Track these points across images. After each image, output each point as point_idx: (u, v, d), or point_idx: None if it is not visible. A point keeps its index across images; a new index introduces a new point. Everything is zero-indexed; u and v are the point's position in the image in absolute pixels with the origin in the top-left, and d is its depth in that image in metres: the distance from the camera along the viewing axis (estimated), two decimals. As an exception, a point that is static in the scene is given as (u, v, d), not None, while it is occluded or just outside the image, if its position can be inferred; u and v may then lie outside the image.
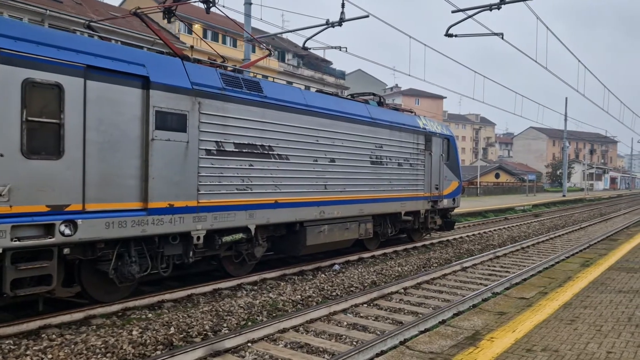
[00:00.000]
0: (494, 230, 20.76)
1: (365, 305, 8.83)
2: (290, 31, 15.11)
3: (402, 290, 9.92)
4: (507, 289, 9.78)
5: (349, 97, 13.84)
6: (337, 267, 11.92)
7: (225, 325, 7.25)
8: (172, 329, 6.84)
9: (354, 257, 13.06)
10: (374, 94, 14.60)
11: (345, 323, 7.69)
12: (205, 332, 6.90)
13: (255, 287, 9.61)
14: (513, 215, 29.15)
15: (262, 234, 9.96)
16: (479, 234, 19.37)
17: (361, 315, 8.24)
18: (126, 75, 7.35)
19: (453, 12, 12.72)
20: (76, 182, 6.75)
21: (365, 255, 13.43)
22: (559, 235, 19.73)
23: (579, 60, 21.03)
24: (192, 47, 18.41)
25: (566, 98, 49.12)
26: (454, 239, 17.60)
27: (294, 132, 10.19)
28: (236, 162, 8.96)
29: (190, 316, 7.41)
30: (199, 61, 9.09)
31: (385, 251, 14.15)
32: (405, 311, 8.53)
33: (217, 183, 8.61)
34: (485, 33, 13.53)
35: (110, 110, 7.15)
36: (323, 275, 10.95)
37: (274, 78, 13.78)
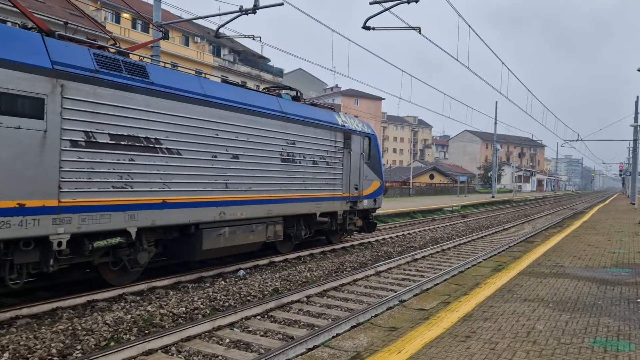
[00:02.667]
0: (419, 231, 20.47)
1: (259, 317, 7.95)
2: (203, 17, 14.06)
3: (305, 299, 9.12)
4: (416, 295, 9.20)
5: (264, 90, 12.92)
6: (242, 272, 10.97)
7: (79, 347, 6.13)
8: (5, 355, 5.66)
9: (264, 261, 12.16)
10: (290, 88, 13.76)
11: (227, 340, 6.77)
12: (49, 358, 5.77)
13: (137, 298, 8.50)
14: (441, 216, 29.24)
15: (148, 238, 8.85)
16: (402, 235, 18.97)
17: (250, 329, 7.35)
18: None
19: (371, 3, 12.09)
20: None
21: (278, 259, 12.56)
22: (482, 237, 19.69)
23: (503, 62, 21.16)
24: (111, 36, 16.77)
25: (496, 102, 50.56)
26: (376, 240, 17.08)
27: (187, 124, 9.15)
28: (112, 156, 7.83)
29: (38, 337, 6.24)
30: (72, 39, 7.89)
31: (300, 254, 13.34)
32: (301, 324, 7.71)
33: (86, 179, 7.45)
34: (403, 27, 13.03)
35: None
36: (223, 282, 9.97)
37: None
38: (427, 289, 9.74)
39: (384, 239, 17.63)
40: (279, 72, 63.93)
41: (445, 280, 10.77)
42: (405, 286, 10.48)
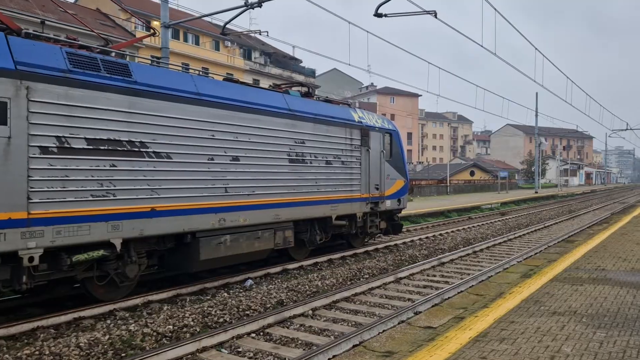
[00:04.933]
0: (451, 231, 19.29)
1: (254, 335, 7.19)
2: (209, 15, 13.48)
3: (310, 312, 8.30)
4: (435, 305, 8.24)
5: (270, 86, 12.20)
6: (249, 282, 10.25)
7: (39, 376, 5.53)
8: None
9: (277, 269, 11.41)
10: (301, 84, 13.01)
11: (209, 364, 6.05)
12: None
13: (127, 315, 7.89)
14: (478, 215, 27.79)
15: (138, 249, 8.24)
16: (432, 236, 17.85)
17: (239, 350, 6.61)
18: None
19: (382, -12, 11.18)
20: None
21: (292, 266, 11.79)
22: (519, 236, 18.34)
23: (536, 49, 19.72)
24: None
25: (536, 93, 48.22)
26: (403, 243, 16.07)
27: (178, 125, 8.50)
28: (90, 162, 7.24)
29: (-3, 364, 5.68)
30: (47, 38, 7.36)
31: (317, 260, 12.53)
32: (299, 342, 6.90)
33: (60, 188, 6.88)
34: (417, 12, 12.03)
35: None
36: (225, 294, 9.28)
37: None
38: (441, 302, 8.76)
39: (412, 241, 16.59)
40: (311, 73, 63.34)
41: (480, 282, 9.75)
42: (426, 295, 9.52)
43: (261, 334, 7.25)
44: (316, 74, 68.46)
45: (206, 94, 9.06)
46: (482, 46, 15.58)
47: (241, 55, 54.83)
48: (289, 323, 7.76)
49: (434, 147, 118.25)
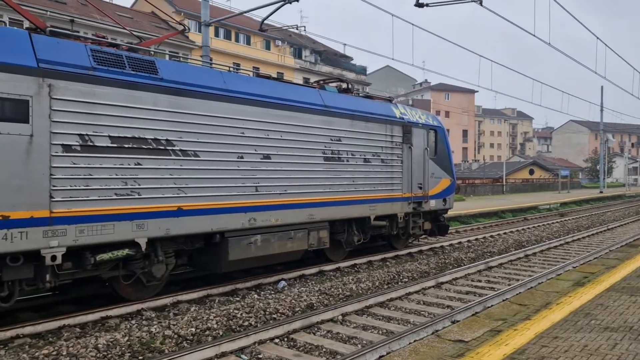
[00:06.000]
0: (503, 233, 18.31)
1: (277, 340, 6.87)
2: (247, 11, 13.33)
3: (340, 318, 7.90)
4: (476, 313, 7.64)
5: (306, 83, 11.85)
6: (283, 283, 9.98)
7: (53, 377, 5.44)
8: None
9: (313, 270, 11.09)
10: (340, 80, 12.59)
11: (225, 372, 5.78)
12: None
13: (153, 315, 7.77)
14: (535, 215, 26.39)
15: (165, 249, 8.11)
16: (482, 238, 16.99)
17: (260, 357, 6.31)
18: None
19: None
20: None
21: (328, 267, 11.42)
22: (578, 239, 17.13)
23: (597, 37, 18.34)
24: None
25: (602, 87, 45.47)
26: (450, 244, 15.35)
27: (206, 122, 8.31)
28: (114, 161, 7.15)
29: (13, 364, 5.64)
30: (71, 36, 7.33)
31: (356, 262, 12.11)
32: (323, 350, 6.52)
33: (83, 187, 6.82)
34: (461, 0, 11.32)
35: None
36: (256, 295, 9.03)
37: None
38: (489, 307, 8.12)
39: (459, 242, 15.84)
40: (362, 71, 62.71)
41: (529, 288, 9.04)
42: (468, 301, 8.91)
43: (285, 339, 6.93)
44: (368, 72, 67.77)
45: (235, 90, 8.83)
46: (534, 35, 14.58)
47: (291, 54, 54.95)
48: (315, 329, 7.39)
49: (492, 145, 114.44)
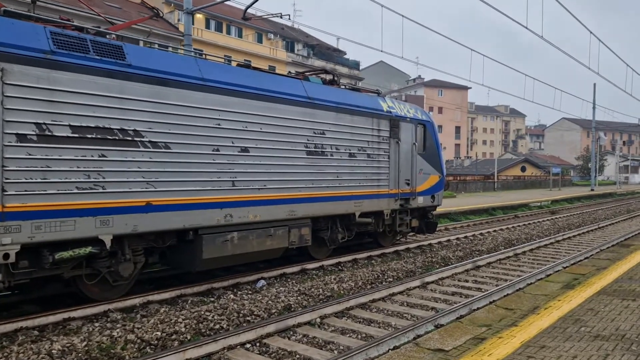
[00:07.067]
0: (492, 231, 17.96)
1: (249, 345, 6.44)
2: (230, -1, 12.86)
3: (318, 320, 7.48)
4: (460, 317, 7.26)
5: (288, 73, 11.40)
6: (262, 282, 9.56)
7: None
8: None
9: (295, 269, 10.66)
10: (325, 71, 12.15)
11: (188, 380, 5.34)
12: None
13: (118, 317, 7.30)
14: (526, 213, 26.10)
15: (134, 246, 7.64)
16: (471, 236, 16.62)
17: (227, 364, 5.88)
18: None
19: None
20: None
21: (311, 266, 11.00)
22: (569, 238, 16.82)
23: (591, 32, 17.99)
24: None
25: (594, 84, 45.25)
26: (438, 242, 14.97)
27: (178, 112, 7.83)
28: (75, 152, 6.67)
29: (-46, 372, 5.17)
30: (30, 17, 6.83)
31: (340, 260, 11.69)
32: (297, 357, 6.10)
33: (39, 180, 6.34)
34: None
35: None
36: (232, 296, 8.60)
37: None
38: (476, 309, 7.74)
39: (448, 240, 15.46)
40: (355, 65, 62.19)
41: (517, 290, 8.69)
42: (453, 303, 8.52)
43: (257, 344, 6.50)
44: (362, 67, 67.21)
45: (211, 80, 8.36)
46: (526, 28, 14.19)
47: (284, 47, 54.33)
48: (291, 332, 6.97)
49: (484, 142, 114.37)
